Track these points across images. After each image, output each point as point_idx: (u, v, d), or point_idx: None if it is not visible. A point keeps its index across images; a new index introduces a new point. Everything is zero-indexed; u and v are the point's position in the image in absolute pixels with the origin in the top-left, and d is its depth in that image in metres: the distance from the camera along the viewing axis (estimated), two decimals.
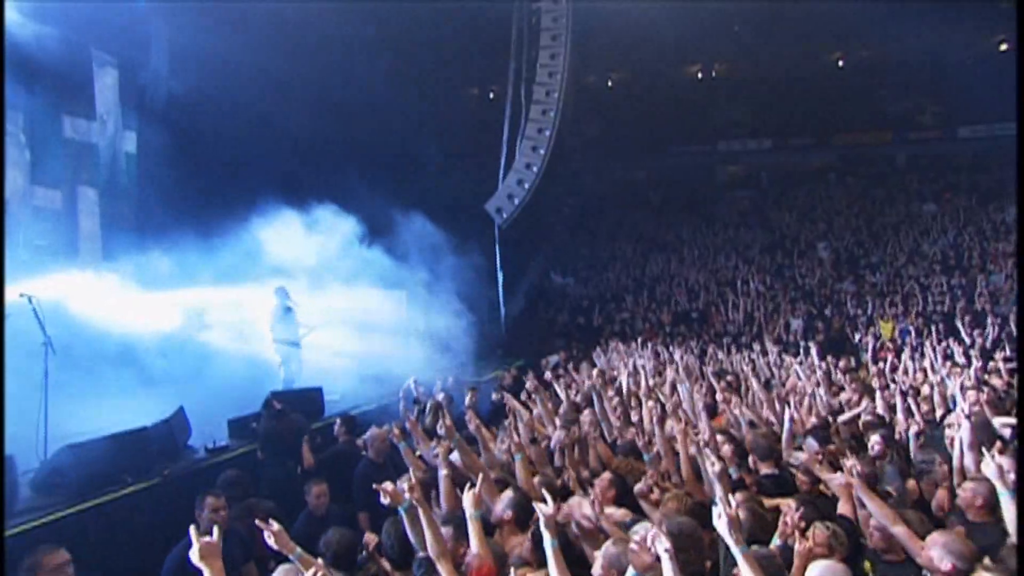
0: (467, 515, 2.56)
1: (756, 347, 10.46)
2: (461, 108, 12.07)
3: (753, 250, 19.13)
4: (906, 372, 8.03)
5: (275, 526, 2.38)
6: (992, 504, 2.98)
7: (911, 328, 12.67)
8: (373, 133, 10.86)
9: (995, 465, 2.86)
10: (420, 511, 2.50)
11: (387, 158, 11.23)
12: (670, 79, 26.28)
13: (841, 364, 9.15)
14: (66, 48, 10.69)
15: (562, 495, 2.96)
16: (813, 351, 8.80)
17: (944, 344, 9.36)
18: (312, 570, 2.11)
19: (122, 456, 4.23)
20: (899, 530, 2.66)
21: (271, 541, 2.36)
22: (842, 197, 22.41)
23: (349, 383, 8.28)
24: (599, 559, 2.25)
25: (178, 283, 10.06)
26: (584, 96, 24.63)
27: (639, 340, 11.21)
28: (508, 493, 2.91)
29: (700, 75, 26.99)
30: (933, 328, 11.18)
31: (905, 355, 9.49)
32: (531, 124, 10.53)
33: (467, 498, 2.59)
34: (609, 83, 27.57)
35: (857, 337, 12.41)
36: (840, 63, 24.99)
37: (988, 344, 10.30)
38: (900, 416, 5.00)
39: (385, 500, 2.59)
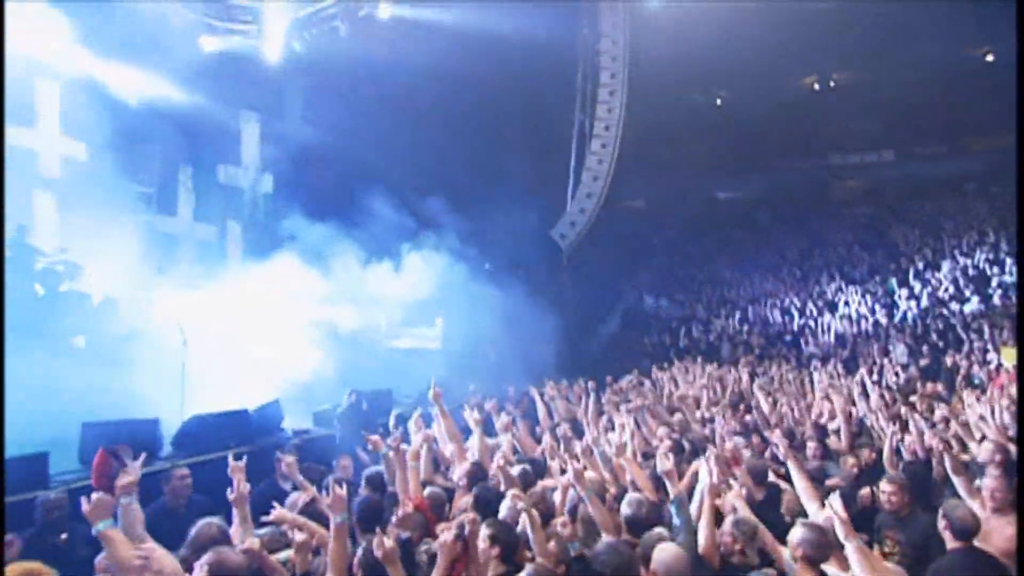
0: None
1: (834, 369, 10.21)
2: (535, 147, 13.18)
3: (862, 269, 18.04)
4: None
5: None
6: None
7: None
8: (463, 176, 12.34)
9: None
10: (393, 456, 3.46)
11: (475, 199, 12.59)
12: (783, 93, 25.55)
13: (928, 388, 8.76)
14: (220, 108, 13.42)
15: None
16: (862, 375, 8.53)
17: None
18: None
19: (229, 428, 5.69)
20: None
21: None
22: (980, 210, 20.30)
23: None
24: None
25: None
26: (690, 116, 24.87)
27: (698, 360, 11.36)
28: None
29: (817, 86, 25.94)
30: None
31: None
32: (591, 156, 11.36)
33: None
34: (718, 101, 27.35)
35: (966, 363, 11.46)
36: (989, 58, 22.67)
37: None
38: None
39: (370, 447, 3.56)
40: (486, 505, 3.16)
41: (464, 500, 3.41)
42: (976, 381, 10.25)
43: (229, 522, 3.15)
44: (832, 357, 12.93)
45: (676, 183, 26.14)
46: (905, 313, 14.53)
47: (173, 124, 12.78)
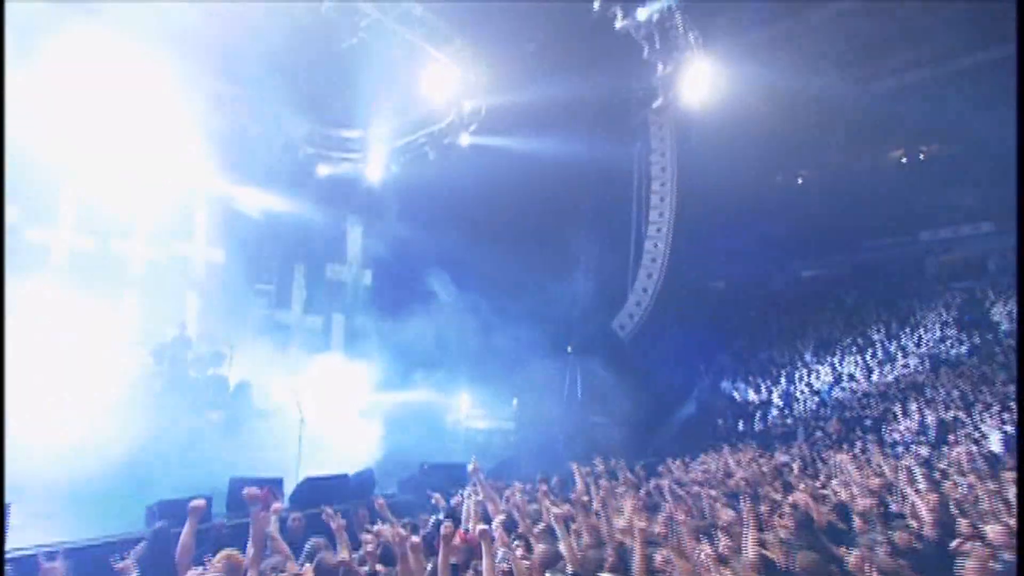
0: None
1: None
2: (599, 248, 14.73)
3: (958, 349, 17.40)
4: None
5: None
6: None
7: None
8: (534, 273, 14.09)
9: None
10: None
11: (546, 294, 14.21)
12: (867, 169, 25.83)
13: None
14: (329, 217, 16.11)
15: None
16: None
17: None
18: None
19: (333, 489, 7.20)
20: None
21: None
22: None
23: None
24: None
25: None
26: (771, 195, 25.52)
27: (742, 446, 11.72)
28: None
29: (905, 159, 26.02)
30: None
31: None
32: (647, 255, 12.63)
33: None
34: (799, 180, 27.88)
35: None
36: None
37: None
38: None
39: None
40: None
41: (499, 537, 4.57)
42: None
43: None
44: (913, 443, 12.71)
45: (758, 264, 26.49)
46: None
47: (291, 231, 15.60)
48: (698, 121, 12.06)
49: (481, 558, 4.24)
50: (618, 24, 9.44)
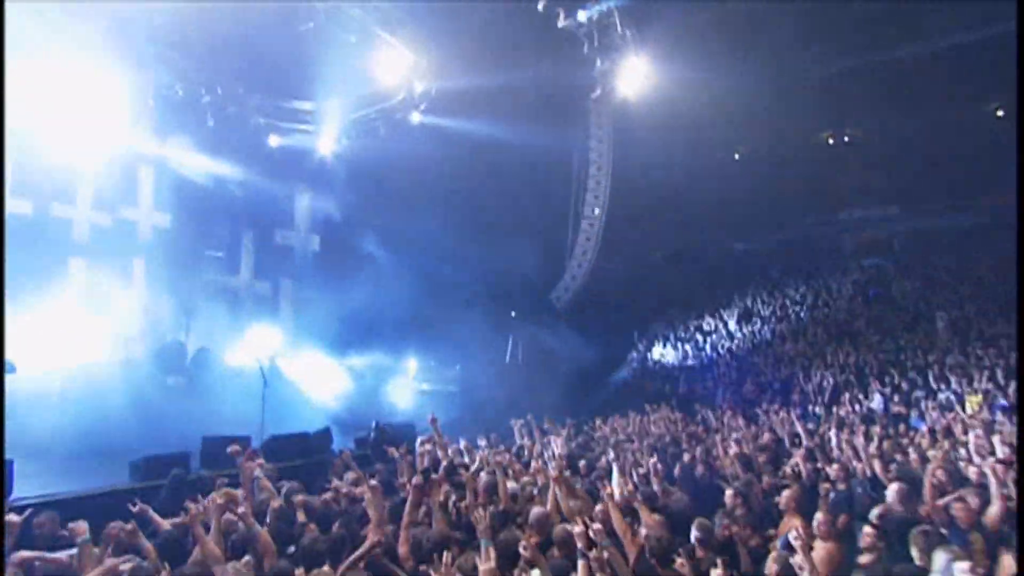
0: None
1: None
2: (538, 224, 15.76)
3: (860, 321, 19.63)
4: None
5: None
6: None
7: (1005, 404, 12.97)
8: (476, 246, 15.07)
9: None
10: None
11: (489, 267, 15.21)
12: (798, 148, 27.59)
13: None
14: (276, 182, 16.43)
15: None
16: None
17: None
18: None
19: (295, 446, 8.14)
20: None
21: None
22: (981, 264, 21.71)
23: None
24: None
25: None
26: (710, 170, 27.03)
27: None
28: None
29: (831, 141, 27.89)
30: None
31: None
32: (582, 234, 13.86)
33: None
34: (736, 156, 29.42)
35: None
36: (1000, 113, 24.19)
37: None
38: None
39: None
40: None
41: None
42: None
43: None
44: (813, 405, 14.65)
45: (695, 236, 28.32)
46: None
47: (240, 198, 15.89)
48: (637, 107, 13.12)
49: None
50: (560, 23, 10.30)
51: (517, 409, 14.22)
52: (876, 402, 14.41)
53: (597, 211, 14.04)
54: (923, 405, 13.56)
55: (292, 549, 4.03)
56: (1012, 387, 13.28)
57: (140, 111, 13.08)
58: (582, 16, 10.40)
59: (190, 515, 3.84)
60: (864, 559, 4.08)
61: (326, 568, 3.44)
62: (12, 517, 3.10)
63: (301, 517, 4.45)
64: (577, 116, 14.62)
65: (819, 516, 4.61)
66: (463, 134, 13.34)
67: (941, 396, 13.89)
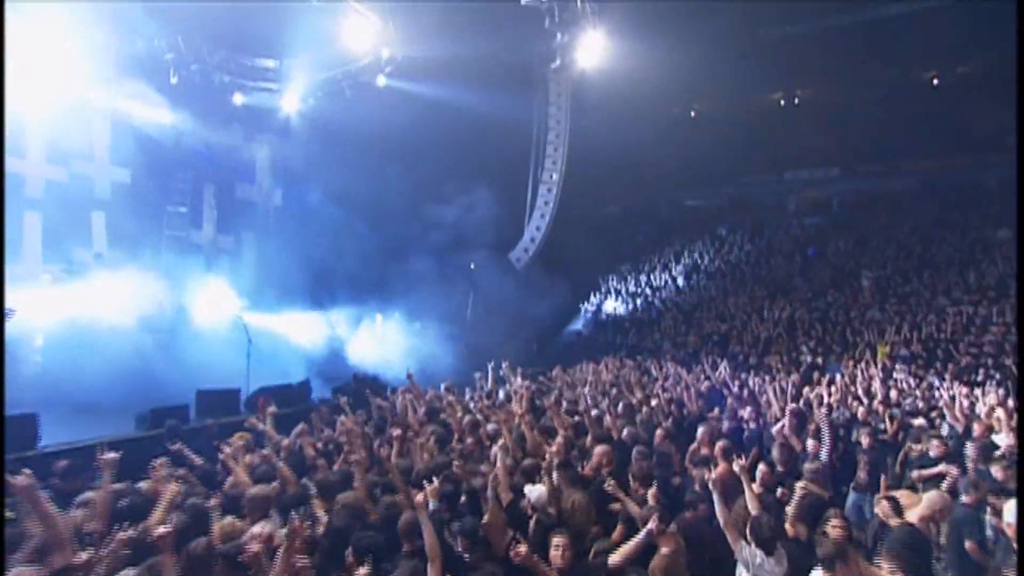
0: None
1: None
2: (499, 186, 16.57)
3: (798, 278, 21.47)
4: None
5: None
6: None
7: (906, 353, 14.93)
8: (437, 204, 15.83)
9: None
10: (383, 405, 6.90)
11: (448, 223, 16.04)
12: (750, 108, 28.70)
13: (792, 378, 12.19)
14: (238, 138, 16.64)
15: None
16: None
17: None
18: None
19: (281, 395, 9.10)
20: None
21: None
22: (905, 224, 23.66)
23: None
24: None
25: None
26: (666, 127, 27.95)
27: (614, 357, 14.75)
28: None
29: (783, 102, 29.04)
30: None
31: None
32: (540, 198, 14.84)
33: None
34: (692, 113, 30.32)
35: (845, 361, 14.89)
36: (935, 82, 25.72)
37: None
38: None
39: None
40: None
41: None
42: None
43: None
44: (749, 356, 16.36)
45: (649, 192, 29.61)
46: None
47: (203, 155, 16.07)
48: (594, 77, 13.90)
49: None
50: (524, 1, 10.88)
51: (477, 360, 15.52)
52: (807, 353, 16.30)
53: (555, 176, 14.98)
54: (841, 355, 15.55)
55: (304, 480, 5.05)
56: (915, 338, 15.38)
57: (98, 65, 13.07)
58: None
59: (224, 454, 4.82)
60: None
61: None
62: (111, 454, 3.91)
63: (311, 454, 5.47)
64: (536, 85, 15.30)
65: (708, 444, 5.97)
66: (427, 98, 13.89)
67: (858, 349, 15.85)
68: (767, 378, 12.40)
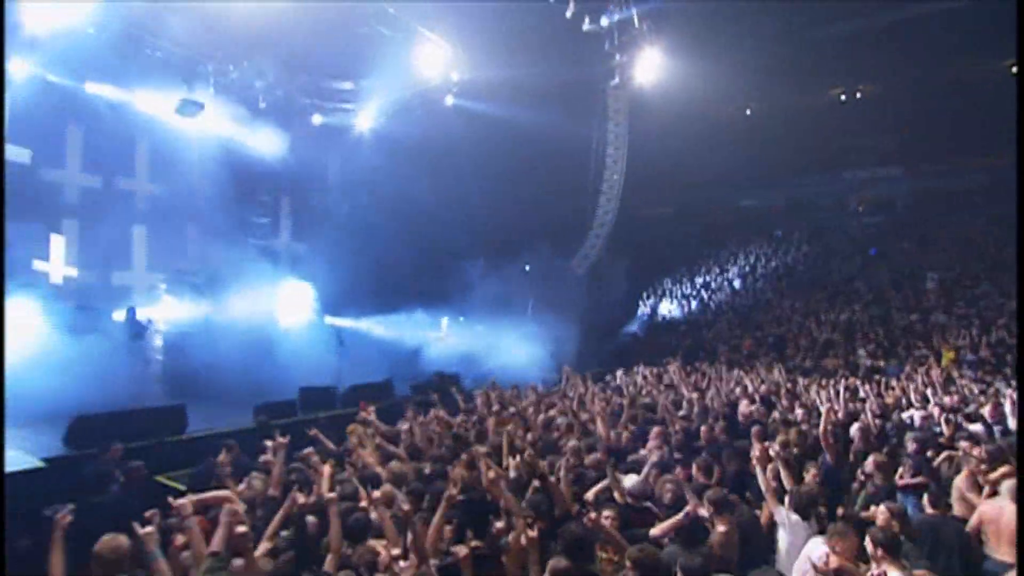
0: None
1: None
2: (559, 196, 17.43)
3: (857, 280, 21.44)
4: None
5: None
6: None
7: (972, 358, 14.90)
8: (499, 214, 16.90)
9: None
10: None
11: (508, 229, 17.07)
12: (808, 105, 28.37)
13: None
14: (314, 153, 18.07)
15: None
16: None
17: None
18: None
19: (370, 392, 10.29)
20: None
21: None
22: (975, 223, 23.16)
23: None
24: None
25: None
26: (721, 126, 27.97)
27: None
28: None
29: (843, 97, 28.59)
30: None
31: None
32: (600, 208, 15.66)
33: None
34: (747, 112, 30.15)
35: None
36: (1013, 70, 24.15)
37: None
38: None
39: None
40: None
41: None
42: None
43: None
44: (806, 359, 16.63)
45: (704, 193, 29.70)
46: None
47: (283, 171, 17.58)
48: (653, 91, 14.64)
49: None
50: (585, 27, 11.69)
51: (537, 360, 16.50)
52: (860, 356, 16.46)
53: (614, 188, 15.81)
54: (902, 359, 15.64)
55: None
56: (984, 342, 15.31)
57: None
58: (605, 21, 11.81)
59: (352, 442, 5.92)
60: None
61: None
62: (282, 439, 5.03)
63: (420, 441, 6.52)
64: (595, 101, 16.15)
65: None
66: (491, 116, 14.96)
67: (920, 352, 15.89)
68: (822, 381, 12.79)
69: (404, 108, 15.34)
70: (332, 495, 4.19)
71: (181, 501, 3.63)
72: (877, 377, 13.22)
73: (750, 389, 11.02)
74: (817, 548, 3.75)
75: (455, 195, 16.82)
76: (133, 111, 14.53)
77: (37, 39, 10.73)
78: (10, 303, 9.75)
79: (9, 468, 5.49)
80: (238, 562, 3.22)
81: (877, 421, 7.70)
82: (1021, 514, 3.84)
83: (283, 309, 14.76)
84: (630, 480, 4.93)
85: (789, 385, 11.58)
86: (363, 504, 4.19)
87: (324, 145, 17.00)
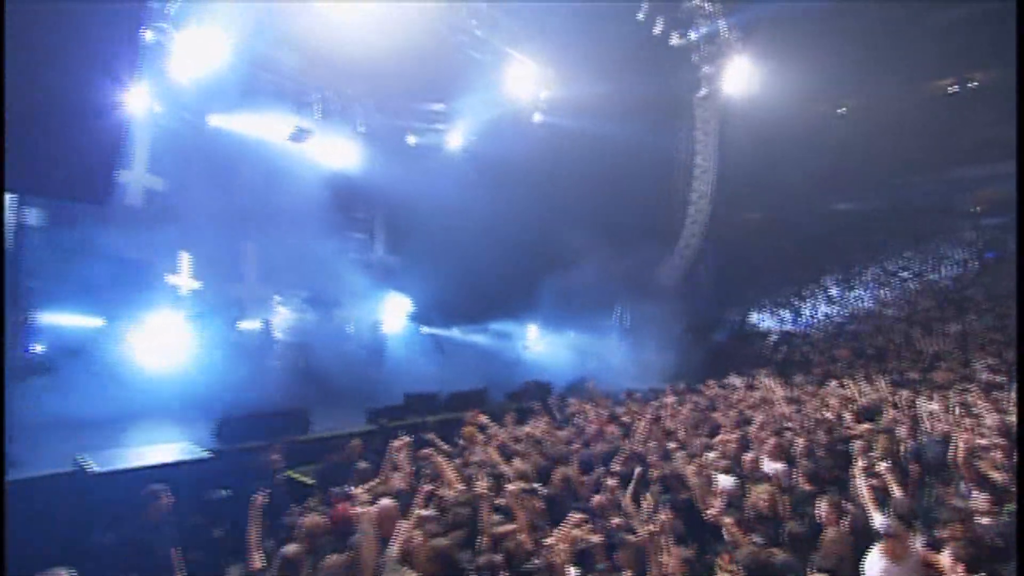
0: None
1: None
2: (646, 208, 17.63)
3: (975, 288, 20.09)
4: None
5: None
6: None
7: None
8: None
9: None
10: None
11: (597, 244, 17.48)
12: (913, 99, 26.84)
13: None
14: (406, 171, 19.18)
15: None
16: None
17: None
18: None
19: (470, 400, 10.96)
20: None
21: None
22: None
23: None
24: None
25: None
26: (811, 126, 26.91)
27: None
28: None
29: (951, 90, 26.91)
30: None
31: None
32: (689, 218, 15.73)
33: None
34: (842, 111, 28.88)
35: None
36: None
37: None
38: None
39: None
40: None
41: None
42: None
43: None
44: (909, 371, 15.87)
45: (793, 196, 28.54)
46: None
47: (379, 186, 18.78)
48: (741, 101, 14.65)
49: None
50: (673, 42, 11.95)
51: (625, 369, 16.74)
52: (982, 372, 15.45)
53: (703, 199, 15.89)
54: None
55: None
56: None
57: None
58: (693, 35, 12.03)
59: (469, 443, 6.56)
60: None
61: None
62: (405, 438, 5.77)
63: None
64: (682, 112, 16.31)
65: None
66: (578, 131, 15.47)
67: None
68: (935, 395, 12.23)
69: (493, 126, 16.10)
70: (482, 488, 4.71)
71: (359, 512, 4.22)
72: (996, 394, 12.54)
73: (850, 400, 10.84)
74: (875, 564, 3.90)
75: (542, 209, 17.39)
76: (249, 139, 16.10)
77: (177, 84, 12.23)
78: (158, 316, 11.25)
79: (181, 457, 6.48)
80: None
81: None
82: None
83: (383, 319, 15.83)
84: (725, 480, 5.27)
85: (895, 397, 11.22)
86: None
87: (416, 163, 18.01)
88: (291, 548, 3.95)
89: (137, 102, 11.12)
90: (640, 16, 12.10)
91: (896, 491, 4.93)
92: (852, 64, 23.09)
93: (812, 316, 21.33)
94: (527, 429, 7.63)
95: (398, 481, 5.49)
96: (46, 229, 11.54)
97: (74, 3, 4.71)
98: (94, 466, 5.98)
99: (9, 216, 10.58)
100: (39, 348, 9.97)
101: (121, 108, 5.02)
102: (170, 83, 12.23)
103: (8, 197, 10.24)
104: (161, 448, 6.78)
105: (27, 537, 5.53)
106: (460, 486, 4.82)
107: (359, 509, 4.02)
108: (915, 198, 26.80)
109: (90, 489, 5.75)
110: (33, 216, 11.52)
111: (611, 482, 4.82)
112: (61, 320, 10.42)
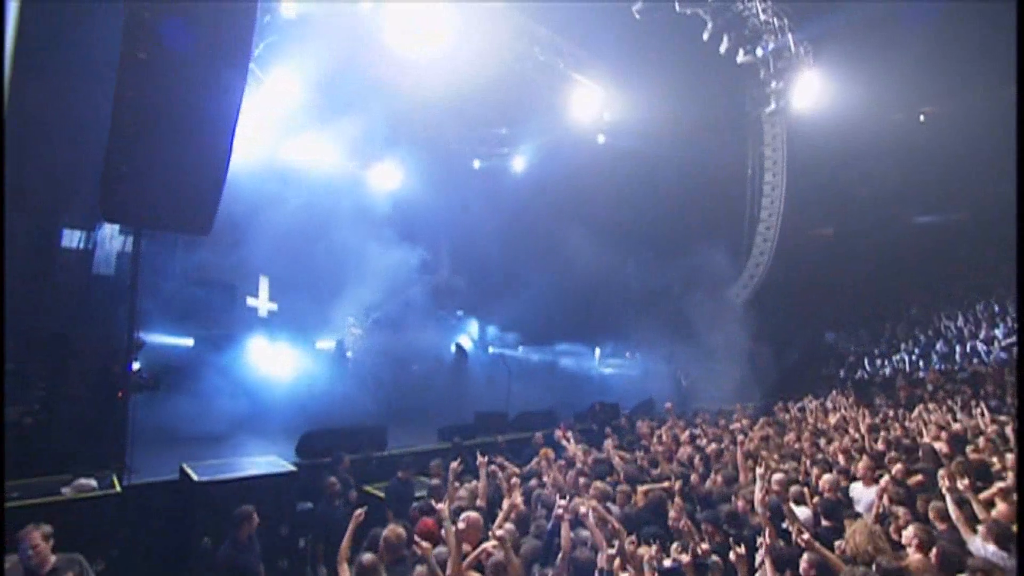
0: None
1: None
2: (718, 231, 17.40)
3: None
4: None
5: None
6: None
7: None
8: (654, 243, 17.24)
9: None
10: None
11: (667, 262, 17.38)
12: (1002, 100, 25.28)
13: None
14: (471, 195, 19.66)
15: None
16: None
17: None
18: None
19: (538, 420, 11.08)
20: None
21: None
22: None
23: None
24: None
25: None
26: (888, 135, 25.58)
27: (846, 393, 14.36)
28: None
29: None
30: None
31: None
32: (759, 236, 15.38)
33: None
34: (921, 117, 27.43)
35: None
36: None
37: None
38: None
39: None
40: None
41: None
42: None
43: None
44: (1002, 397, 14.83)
45: (868, 209, 27.12)
46: None
47: (444, 209, 19.34)
48: (811, 115, 14.27)
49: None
50: (739, 59, 11.87)
51: (693, 390, 16.44)
52: None
53: (773, 216, 15.56)
54: None
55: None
56: None
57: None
58: (760, 52, 11.93)
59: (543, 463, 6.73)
60: None
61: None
62: (482, 458, 6.04)
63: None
64: (750, 129, 16.09)
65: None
66: (643, 151, 15.53)
67: None
68: None
69: (556, 149, 16.37)
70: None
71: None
72: None
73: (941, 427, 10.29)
74: None
75: (607, 229, 17.47)
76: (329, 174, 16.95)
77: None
78: (243, 336, 12.01)
79: (270, 470, 6.92)
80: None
81: None
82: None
83: (450, 340, 16.25)
84: (802, 512, 5.18)
85: (993, 428, 10.54)
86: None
87: (481, 186, 18.51)
88: (368, 557, 4.18)
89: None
90: (705, 36, 12.10)
91: (980, 513, 4.77)
92: (929, 69, 21.82)
93: (893, 337, 20.27)
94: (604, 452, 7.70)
95: (472, 497, 5.69)
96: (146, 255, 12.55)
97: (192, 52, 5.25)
98: (195, 475, 6.48)
99: (115, 244, 11.56)
100: (138, 366, 10.84)
101: (227, 148, 5.54)
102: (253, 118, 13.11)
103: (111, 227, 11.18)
104: (253, 460, 7.26)
105: (141, 535, 6.05)
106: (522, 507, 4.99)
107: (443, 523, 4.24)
108: (1007, 207, 24.86)
109: (194, 496, 6.23)
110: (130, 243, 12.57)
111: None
112: (159, 339, 11.29)
